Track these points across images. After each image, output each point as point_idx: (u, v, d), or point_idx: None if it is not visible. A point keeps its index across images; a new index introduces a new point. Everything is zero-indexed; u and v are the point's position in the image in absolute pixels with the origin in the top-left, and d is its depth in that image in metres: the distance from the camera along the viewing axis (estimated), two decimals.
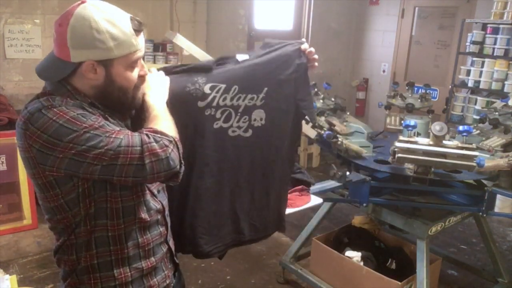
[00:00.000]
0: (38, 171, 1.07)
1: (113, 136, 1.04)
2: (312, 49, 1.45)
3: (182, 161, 1.12)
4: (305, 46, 1.44)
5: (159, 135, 1.08)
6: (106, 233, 1.14)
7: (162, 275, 1.28)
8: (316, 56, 1.45)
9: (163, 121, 1.15)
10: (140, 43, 1.13)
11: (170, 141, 1.08)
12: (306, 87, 1.47)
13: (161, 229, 1.26)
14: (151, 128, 1.11)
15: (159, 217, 1.25)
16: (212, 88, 1.34)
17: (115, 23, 1.07)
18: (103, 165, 1.03)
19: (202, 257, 1.49)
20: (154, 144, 1.05)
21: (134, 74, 1.15)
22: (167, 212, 1.30)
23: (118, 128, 1.08)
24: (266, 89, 1.40)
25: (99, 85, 1.12)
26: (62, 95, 1.10)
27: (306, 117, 1.56)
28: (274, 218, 1.57)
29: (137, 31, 1.11)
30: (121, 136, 1.05)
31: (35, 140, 1.03)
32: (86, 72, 1.10)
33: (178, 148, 1.11)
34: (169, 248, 1.32)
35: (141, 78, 1.18)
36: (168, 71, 1.33)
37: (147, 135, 1.07)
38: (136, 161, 1.04)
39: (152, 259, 1.24)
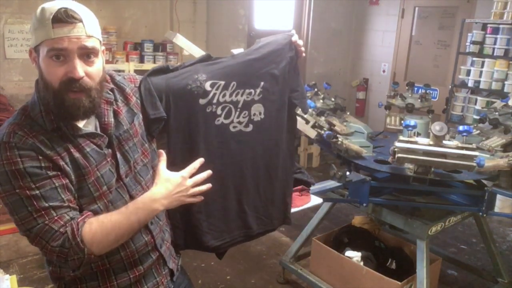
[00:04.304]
0: None
1: (35, 215, 1.03)
2: (300, 41, 1.47)
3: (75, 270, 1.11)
4: (295, 38, 1.46)
5: (79, 243, 1.03)
6: None
7: (154, 281, 1.27)
8: (303, 48, 1.48)
9: (122, 221, 1.09)
10: (59, 33, 1.01)
11: (79, 258, 1.05)
12: (297, 78, 1.51)
13: (146, 238, 1.23)
14: (93, 228, 1.05)
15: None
16: (212, 85, 1.35)
17: (44, 8, 1.02)
18: (20, 229, 1.07)
19: (209, 251, 1.48)
20: (60, 248, 1.04)
21: (58, 69, 1.04)
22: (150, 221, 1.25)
23: (53, 202, 1.04)
24: (262, 83, 1.42)
25: (40, 79, 1.08)
26: (34, 116, 1.07)
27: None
28: (279, 211, 1.58)
29: (59, 21, 1.01)
30: (40, 221, 1.03)
31: None
32: (31, 60, 1.09)
33: (82, 262, 1.06)
34: (161, 255, 1.29)
35: (69, 79, 1.04)
36: (164, 71, 1.33)
37: (71, 235, 1.03)
38: (39, 247, 1.07)
39: (140, 267, 1.22)
